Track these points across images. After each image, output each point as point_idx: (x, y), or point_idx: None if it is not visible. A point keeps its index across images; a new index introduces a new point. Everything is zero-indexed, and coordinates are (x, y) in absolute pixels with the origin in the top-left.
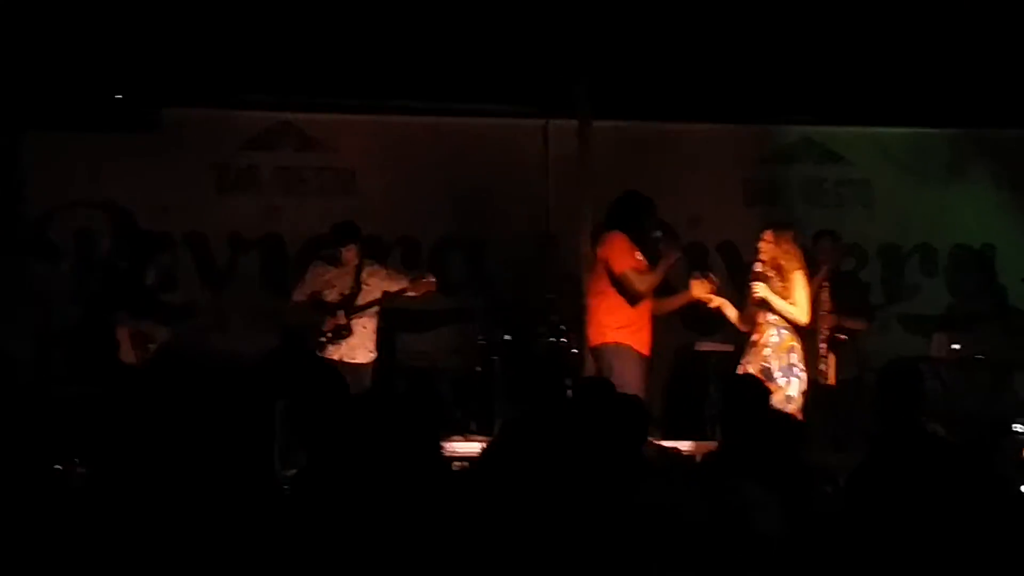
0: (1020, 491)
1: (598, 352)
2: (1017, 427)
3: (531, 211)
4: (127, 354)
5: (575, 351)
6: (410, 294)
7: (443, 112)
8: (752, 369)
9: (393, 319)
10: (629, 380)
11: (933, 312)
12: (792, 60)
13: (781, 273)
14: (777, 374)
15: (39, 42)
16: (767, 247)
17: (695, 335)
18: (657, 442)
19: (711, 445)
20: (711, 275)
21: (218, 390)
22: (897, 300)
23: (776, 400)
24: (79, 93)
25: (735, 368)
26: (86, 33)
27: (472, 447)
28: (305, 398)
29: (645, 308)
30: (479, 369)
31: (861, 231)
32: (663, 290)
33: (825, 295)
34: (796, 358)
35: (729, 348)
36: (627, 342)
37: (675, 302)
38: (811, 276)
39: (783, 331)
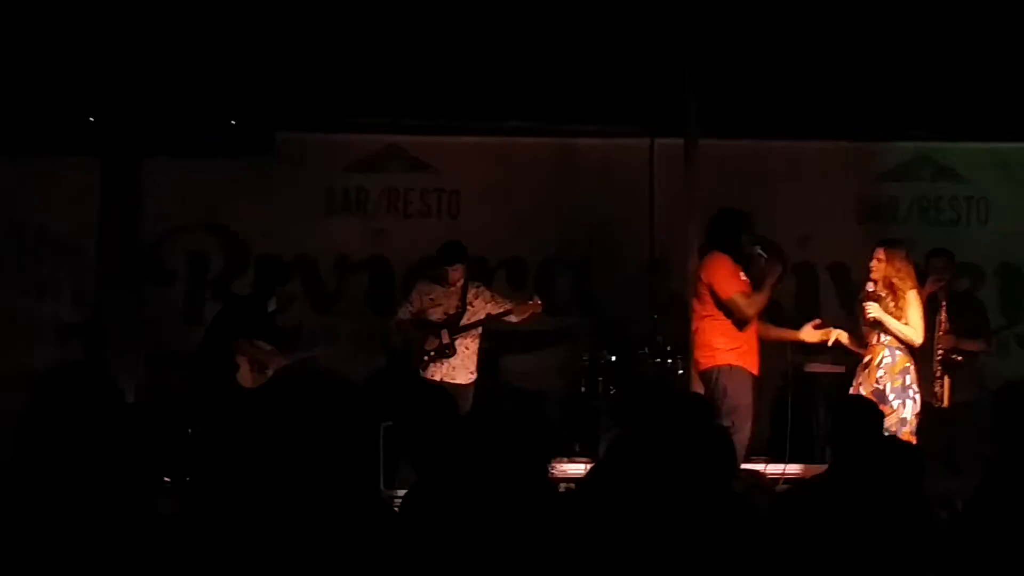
0: None
1: (709, 374)
2: None
3: (637, 231)
4: (244, 379)
5: (681, 372)
6: (513, 319)
7: (549, 133)
8: (865, 391)
9: (497, 340)
10: (742, 402)
11: None
12: (905, 74)
13: (894, 292)
14: (891, 395)
15: (155, 68)
16: (879, 265)
17: (805, 356)
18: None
19: (820, 468)
20: (821, 322)
21: (326, 412)
22: (1016, 321)
23: (890, 422)
24: (193, 119)
25: (847, 390)
26: (200, 58)
27: (577, 468)
28: (410, 418)
29: (753, 328)
30: (583, 390)
31: (978, 250)
32: (772, 313)
33: (942, 316)
34: (910, 379)
35: (840, 369)
36: (739, 363)
37: (783, 335)
38: (925, 295)
39: (897, 352)
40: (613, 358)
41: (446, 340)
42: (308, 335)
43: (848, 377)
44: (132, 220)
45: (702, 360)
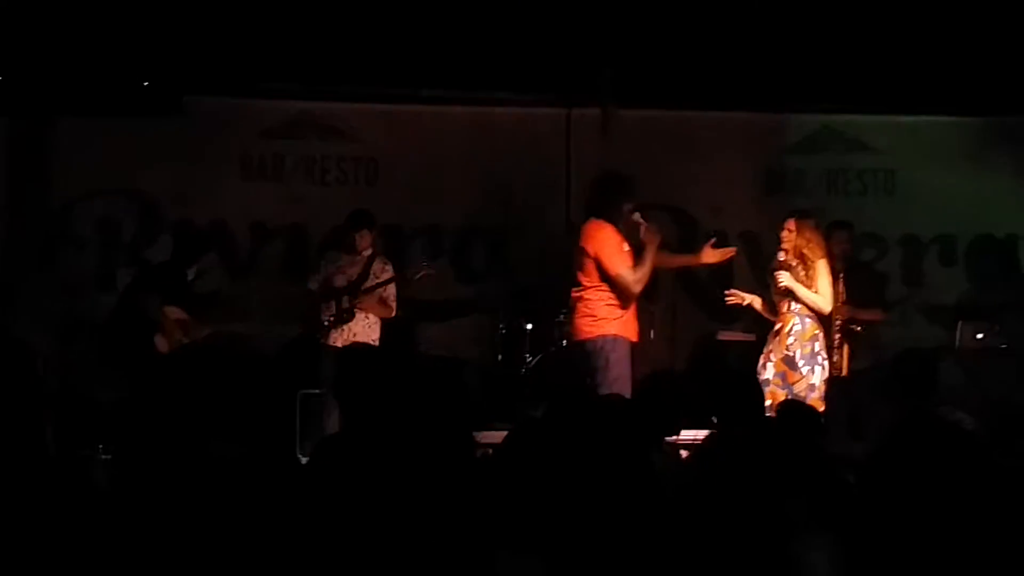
0: None
1: (592, 344)
2: None
3: (554, 200)
4: (161, 345)
5: None
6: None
7: (466, 102)
8: (775, 357)
9: (414, 309)
10: (623, 371)
11: (954, 302)
12: (817, 47)
13: (804, 262)
14: (800, 362)
15: (64, 28)
16: (790, 236)
17: (717, 325)
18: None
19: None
20: (716, 241)
21: (242, 380)
22: (917, 290)
23: (799, 388)
24: (104, 79)
25: (758, 357)
26: (112, 18)
27: (495, 435)
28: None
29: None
30: (500, 358)
31: (882, 221)
32: (684, 274)
33: (839, 287)
34: (819, 346)
35: (751, 337)
36: (622, 333)
37: (685, 261)
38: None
39: (807, 320)
40: (530, 326)
41: (345, 305)
42: (225, 303)
43: (759, 345)
44: (42, 183)
45: (584, 329)
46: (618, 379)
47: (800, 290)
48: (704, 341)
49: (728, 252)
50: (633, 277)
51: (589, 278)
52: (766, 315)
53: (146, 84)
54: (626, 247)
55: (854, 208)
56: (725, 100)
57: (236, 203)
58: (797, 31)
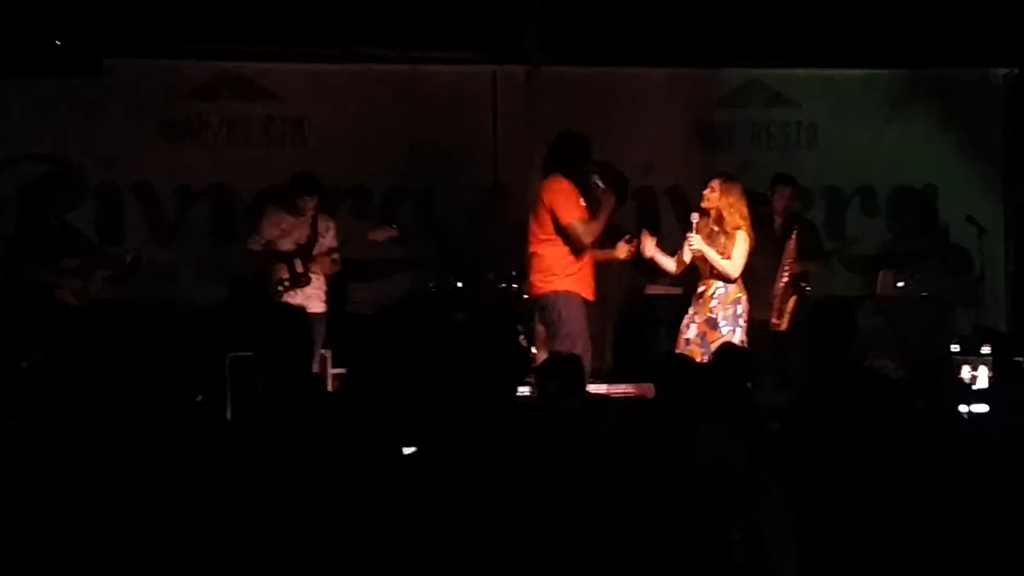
0: (956, 416)
1: (545, 300)
2: (953, 348)
3: (481, 158)
4: (62, 295)
5: (526, 297)
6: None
7: (391, 60)
8: (699, 319)
9: (344, 269)
10: (577, 327)
11: (875, 252)
12: (741, 1)
13: (722, 225)
14: (722, 323)
15: None
16: (712, 195)
17: (645, 279)
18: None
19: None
20: (635, 241)
21: (169, 341)
22: (841, 241)
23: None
24: (17, 37)
25: (683, 312)
26: None
27: None
28: (270, 344)
29: (590, 254)
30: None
31: (806, 174)
32: (607, 232)
33: (791, 244)
34: (742, 309)
35: (678, 292)
36: (575, 289)
37: (604, 256)
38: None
39: (730, 284)
40: (459, 284)
41: (300, 269)
42: (148, 265)
43: (686, 299)
44: None
45: (538, 284)
46: (570, 335)
47: (708, 252)
48: (633, 295)
49: (636, 244)
50: (584, 228)
51: (544, 230)
52: (676, 274)
53: (59, 43)
54: (583, 203)
55: (779, 162)
56: (651, 56)
57: (160, 166)
58: None
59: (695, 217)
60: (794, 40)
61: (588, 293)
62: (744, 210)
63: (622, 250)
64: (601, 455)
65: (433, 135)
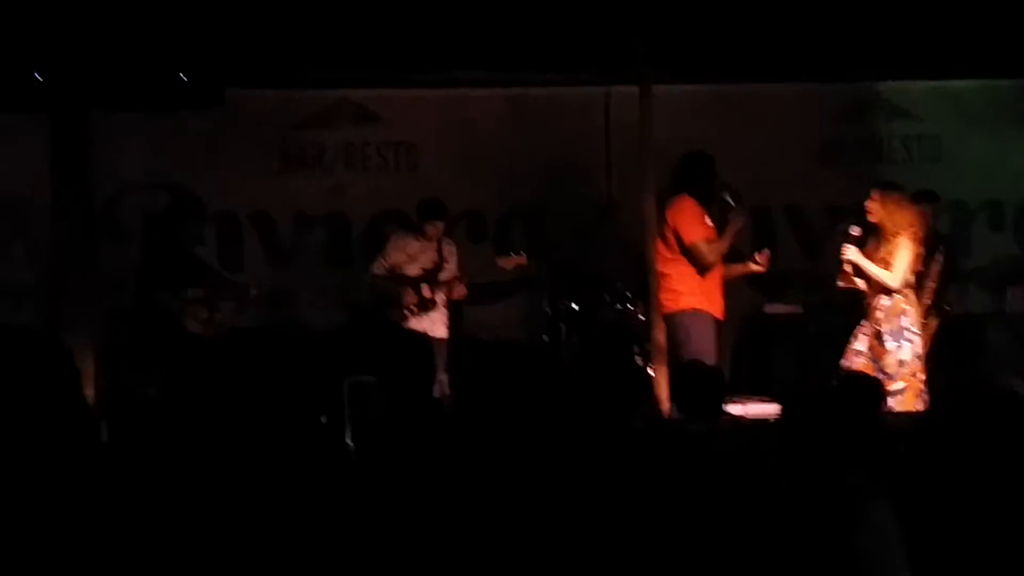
0: None
1: (673, 319)
2: None
3: (593, 179)
4: (192, 326)
5: (642, 318)
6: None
7: (502, 83)
8: (867, 332)
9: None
10: (704, 346)
11: (1003, 268)
12: (857, 14)
13: (885, 235)
14: (887, 338)
15: (101, 21)
16: (874, 207)
17: (763, 298)
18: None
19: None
20: (765, 251)
21: (286, 366)
22: (966, 257)
23: (887, 363)
24: (142, 73)
25: (805, 329)
26: (148, 12)
27: None
28: (392, 369)
29: (717, 272)
30: (546, 339)
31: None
32: (730, 253)
33: (936, 265)
34: (908, 321)
35: (797, 310)
36: (703, 307)
37: (737, 271)
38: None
39: (895, 295)
40: (575, 306)
41: (427, 294)
42: (267, 292)
43: (806, 318)
44: (84, 178)
45: (667, 304)
46: (699, 354)
47: (864, 263)
48: (751, 315)
49: (766, 256)
50: (708, 247)
51: (670, 251)
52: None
53: (185, 79)
54: (708, 221)
55: (899, 176)
56: (764, 72)
57: (277, 193)
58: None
59: (855, 230)
60: (914, 52)
61: (717, 311)
62: (906, 217)
63: (755, 264)
64: (724, 479)
65: (546, 157)
